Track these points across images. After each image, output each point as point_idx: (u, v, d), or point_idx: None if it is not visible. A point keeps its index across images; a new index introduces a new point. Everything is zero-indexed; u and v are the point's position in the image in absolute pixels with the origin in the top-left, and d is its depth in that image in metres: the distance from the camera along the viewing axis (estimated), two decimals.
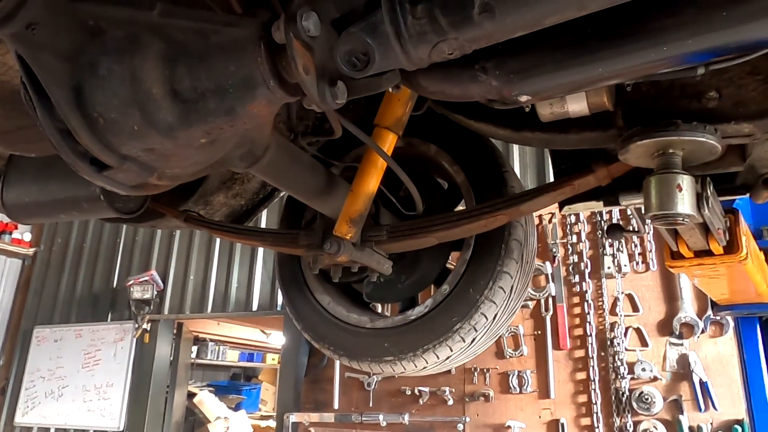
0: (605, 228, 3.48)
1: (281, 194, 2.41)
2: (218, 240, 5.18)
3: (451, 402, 3.70)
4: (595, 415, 3.32)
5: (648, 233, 3.46)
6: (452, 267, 1.76)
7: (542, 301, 3.65)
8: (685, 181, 1.16)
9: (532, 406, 3.52)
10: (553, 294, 3.62)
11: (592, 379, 3.38)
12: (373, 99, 1.63)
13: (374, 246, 1.56)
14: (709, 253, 1.51)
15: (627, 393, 3.28)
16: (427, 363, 1.72)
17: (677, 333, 3.28)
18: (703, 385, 3.14)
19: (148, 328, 5.15)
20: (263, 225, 4.69)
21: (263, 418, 7.73)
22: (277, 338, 7.35)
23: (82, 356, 5.37)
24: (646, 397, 3.22)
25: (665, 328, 3.34)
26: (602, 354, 3.42)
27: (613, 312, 3.47)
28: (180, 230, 5.41)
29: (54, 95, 0.88)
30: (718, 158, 1.17)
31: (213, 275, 5.09)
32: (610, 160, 1.40)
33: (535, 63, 0.85)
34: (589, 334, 3.47)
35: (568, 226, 3.72)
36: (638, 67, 0.84)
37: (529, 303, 3.66)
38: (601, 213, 3.66)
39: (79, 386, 5.28)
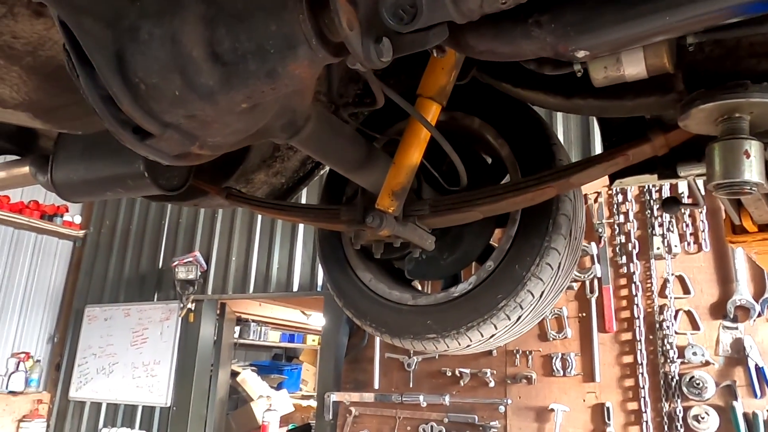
0: (661, 202, 3.35)
1: (321, 172, 2.40)
2: (259, 222, 5.24)
3: (492, 384, 3.66)
4: (642, 399, 3.22)
5: (702, 211, 3.31)
6: (496, 245, 1.71)
7: (587, 283, 3.55)
8: (754, 147, 1.08)
9: (576, 389, 3.44)
10: (599, 275, 3.52)
11: (640, 362, 3.28)
12: (416, 72, 1.59)
13: (417, 221, 1.52)
14: None
15: (677, 378, 3.17)
16: (470, 341, 1.68)
17: (731, 316, 3.14)
18: (759, 371, 3.00)
19: (193, 308, 5.27)
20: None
21: (304, 397, 7.86)
22: (317, 319, 7.43)
23: (130, 334, 5.55)
24: (698, 382, 3.11)
25: (718, 311, 3.20)
26: (650, 337, 3.31)
27: (662, 294, 3.35)
28: (222, 213, 5.49)
29: (96, 61, 0.88)
30: None
31: (254, 256, 5.16)
32: (667, 128, 1.32)
33: (595, 13, 0.79)
34: (636, 316, 3.35)
35: (615, 206, 3.59)
36: (710, 15, 0.77)
37: (574, 285, 3.56)
38: (650, 191, 3.52)
39: (128, 363, 5.46)
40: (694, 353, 3.16)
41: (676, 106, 1.20)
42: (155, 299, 5.62)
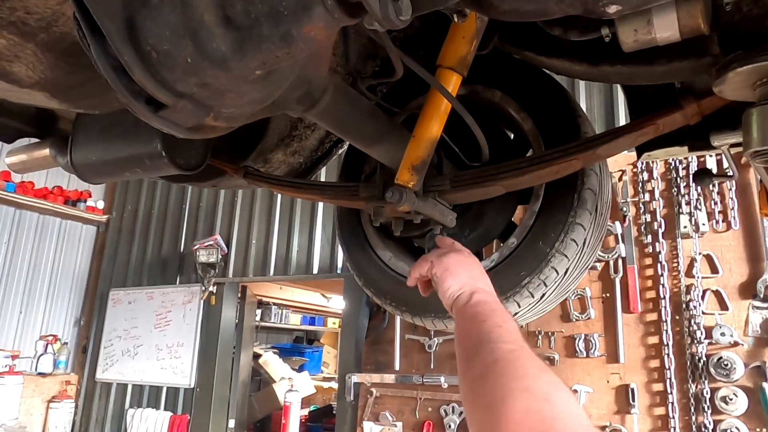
0: (693, 174, 3.25)
1: (339, 152, 2.37)
2: (279, 205, 5.24)
3: None
4: (668, 380, 3.16)
5: (731, 188, 3.21)
6: (518, 223, 1.67)
7: (611, 263, 3.48)
8: None
9: (600, 370, 3.40)
10: (623, 255, 3.45)
11: (666, 343, 3.22)
12: (434, 48, 1.54)
13: (437, 196, 1.48)
14: None
15: (704, 358, 3.10)
16: None
17: (762, 296, 3.05)
18: None
19: (214, 291, 5.31)
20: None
21: (325, 379, 7.93)
22: (337, 302, 7.46)
23: (154, 317, 5.63)
24: (726, 362, 3.04)
25: (748, 290, 3.12)
26: (677, 318, 3.24)
27: (689, 274, 3.27)
28: (241, 196, 5.50)
29: (106, 29, 0.85)
30: None
31: (274, 240, 5.17)
32: (700, 95, 1.26)
33: None
34: (662, 297, 3.28)
35: (640, 184, 3.51)
36: None
37: (597, 265, 3.50)
38: (676, 169, 3.43)
39: (152, 345, 5.54)
40: (723, 334, 3.09)
41: (710, 70, 1.14)
42: (177, 282, 5.68)
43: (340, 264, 4.71)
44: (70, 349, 6.14)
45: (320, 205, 4.97)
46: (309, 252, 4.95)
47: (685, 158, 3.41)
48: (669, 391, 3.15)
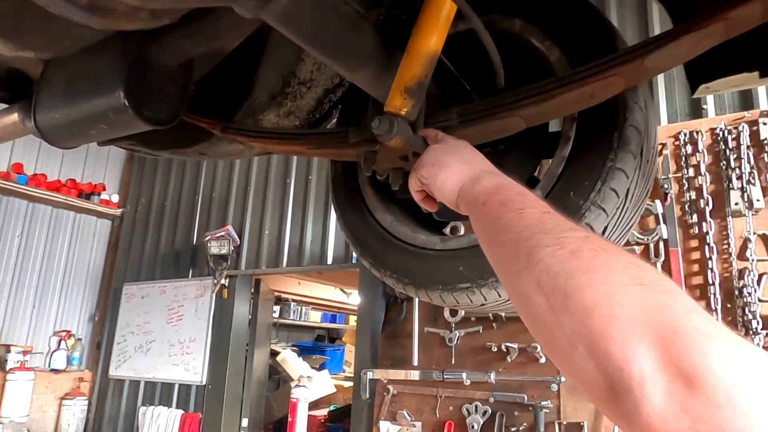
0: None
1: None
2: (292, 193, 4.99)
3: (543, 360, 3.29)
4: None
5: None
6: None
7: (651, 246, 3.12)
8: None
9: None
10: (665, 237, 3.09)
11: None
12: None
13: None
14: None
15: None
16: None
17: None
18: None
19: (227, 284, 5.10)
20: None
21: (347, 378, 7.65)
22: (357, 298, 7.18)
23: (166, 312, 5.44)
24: None
25: None
26: (728, 306, 2.87)
27: (741, 256, 2.90)
28: (254, 185, 5.28)
29: None
30: None
31: (287, 230, 4.93)
32: None
33: None
34: (711, 282, 2.91)
35: (683, 158, 3.14)
36: None
37: (636, 248, 3.14)
38: (725, 140, 3.05)
39: (165, 341, 5.35)
40: None
41: None
42: (190, 276, 5.48)
43: (355, 254, 4.43)
44: (84, 345, 6.00)
45: None
46: (323, 242, 4.69)
47: (735, 127, 3.03)
48: None
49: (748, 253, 2.87)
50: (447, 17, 1.08)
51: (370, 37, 1.13)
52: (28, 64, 1.73)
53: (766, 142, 2.93)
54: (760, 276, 2.82)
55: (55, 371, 5.65)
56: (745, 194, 2.92)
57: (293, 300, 7.55)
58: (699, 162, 3.10)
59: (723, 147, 3.04)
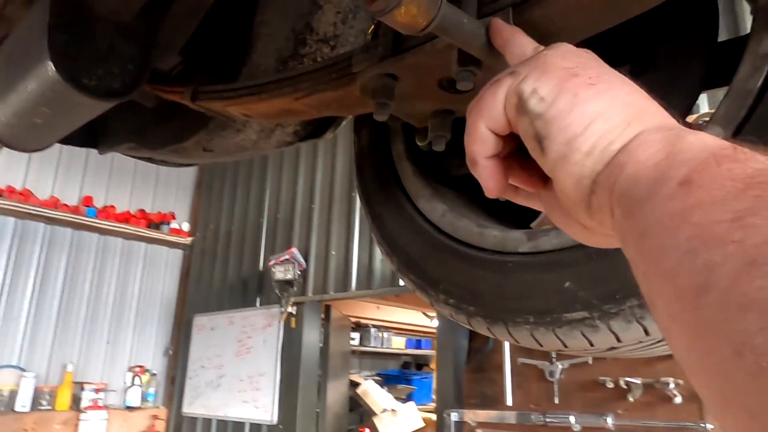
0: None
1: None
2: (357, 211, 4.48)
3: (678, 400, 2.51)
4: None
5: None
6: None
7: None
8: None
9: None
10: None
11: None
12: None
13: (508, 11, 0.60)
14: None
15: None
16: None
17: None
18: None
19: (294, 312, 4.65)
20: None
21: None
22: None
23: (235, 344, 5.08)
24: None
25: None
26: None
27: None
28: (318, 204, 4.83)
29: None
30: None
31: (355, 249, 4.42)
32: None
33: None
34: None
35: None
36: None
37: None
38: None
39: (235, 376, 4.98)
40: None
41: None
42: (258, 304, 5.10)
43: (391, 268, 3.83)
44: (159, 381, 5.78)
45: None
46: None
47: None
48: None
49: None
50: None
51: None
52: None
53: None
54: None
55: (130, 409, 5.44)
56: None
57: (373, 326, 7.02)
58: None
59: None
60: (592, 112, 0.35)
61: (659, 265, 0.27)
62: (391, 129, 1.06)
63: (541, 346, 0.83)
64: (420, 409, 6.63)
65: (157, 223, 6.01)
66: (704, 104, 2.52)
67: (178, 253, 6.26)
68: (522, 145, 0.41)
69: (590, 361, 2.81)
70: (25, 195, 5.12)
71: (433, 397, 7.46)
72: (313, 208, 4.86)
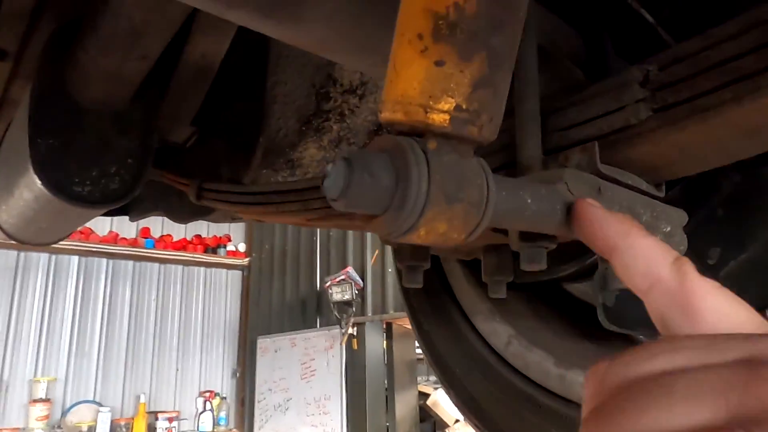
0: None
1: None
2: None
3: None
4: None
5: None
6: None
7: None
8: None
9: None
10: None
11: None
12: None
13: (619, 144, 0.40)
14: None
15: None
16: None
17: None
18: None
19: (355, 333, 4.52)
20: None
21: None
22: None
23: (299, 367, 5.02)
24: None
25: None
26: None
27: None
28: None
29: None
30: None
31: None
32: None
33: None
34: None
35: None
36: None
37: None
38: None
39: (301, 399, 4.92)
40: None
41: None
42: (318, 325, 5.02)
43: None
44: (229, 404, 5.82)
45: None
46: None
47: None
48: None
49: None
50: None
51: None
52: None
53: None
54: None
55: None
56: None
57: None
58: None
59: None
60: None
61: None
62: None
63: None
64: None
65: (213, 247, 6.03)
66: None
67: (237, 275, 6.28)
68: None
69: None
70: (86, 233, 5.22)
71: None
72: None
